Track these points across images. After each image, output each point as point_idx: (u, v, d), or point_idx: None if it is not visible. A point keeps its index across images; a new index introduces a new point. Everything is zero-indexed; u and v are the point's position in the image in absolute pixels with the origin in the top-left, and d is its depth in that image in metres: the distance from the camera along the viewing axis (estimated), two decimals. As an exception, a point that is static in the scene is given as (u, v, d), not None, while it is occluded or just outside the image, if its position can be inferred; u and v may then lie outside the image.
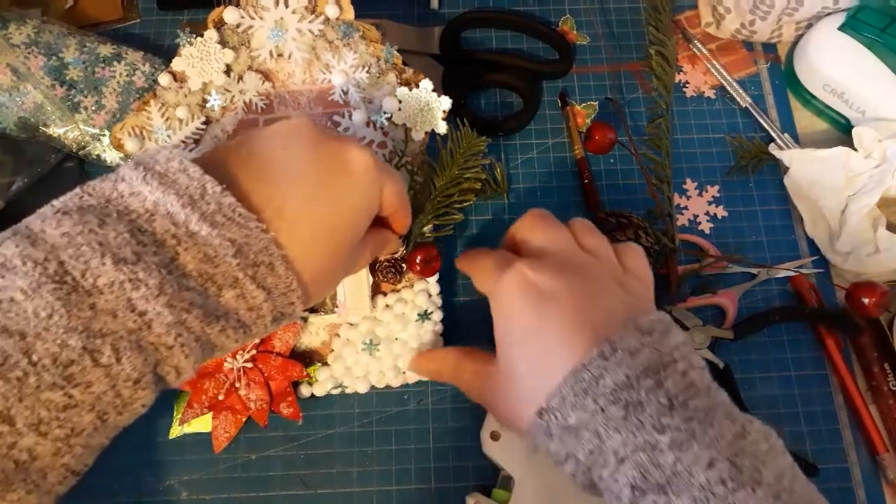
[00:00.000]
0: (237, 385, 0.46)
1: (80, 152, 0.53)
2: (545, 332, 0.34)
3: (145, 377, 0.27)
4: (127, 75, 0.54)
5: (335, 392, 0.49)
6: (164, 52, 0.57)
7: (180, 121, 0.46)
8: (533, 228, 0.39)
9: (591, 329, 0.33)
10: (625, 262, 0.39)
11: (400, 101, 0.46)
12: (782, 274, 0.53)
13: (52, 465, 0.26)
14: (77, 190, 0.29)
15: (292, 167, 0.32)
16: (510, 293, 0.36)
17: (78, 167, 0.55)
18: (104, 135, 0.53)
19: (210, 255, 0.29)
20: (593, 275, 0.36)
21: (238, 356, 0.46)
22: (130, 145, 0.46)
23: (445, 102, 0.46)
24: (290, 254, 0.31)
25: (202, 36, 0.46)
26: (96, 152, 0.53)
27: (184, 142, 0.46)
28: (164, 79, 0.46)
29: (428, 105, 0.46)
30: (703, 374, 0.33)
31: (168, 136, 0.46)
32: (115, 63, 0.54)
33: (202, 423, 0.47)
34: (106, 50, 0.54)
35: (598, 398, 0.31)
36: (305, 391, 0.48)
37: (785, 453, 0.32)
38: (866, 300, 0.50)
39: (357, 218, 0.35)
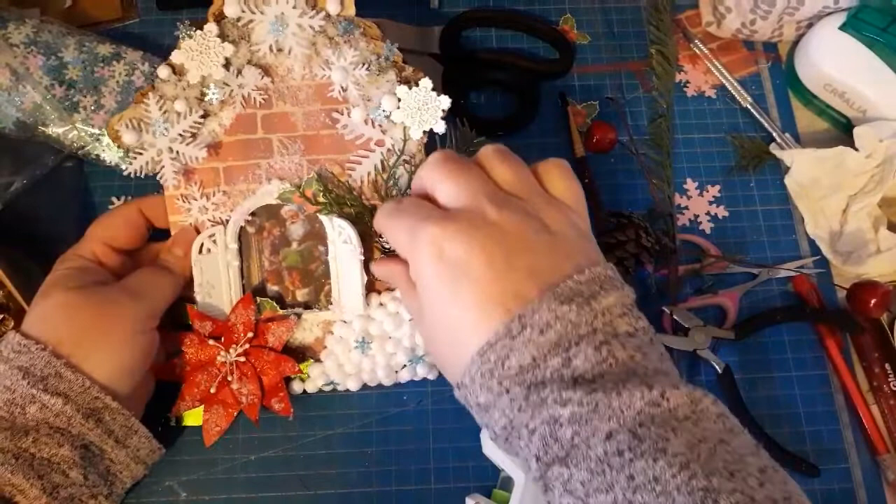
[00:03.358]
0: (229, 379, 0.46)
1: (80, 152, 0.53)
2: (458, 309, 0.33)
3: None
4: (126, 75, 0.54)
5: (327, 389, 0.48)
6: (163, 52, 0.56)
7: (178, 114, 0.46)
8: (439, 179, 0.36)
9: (504, 303, 0.32)
10: (549, 186, 0.37)
11: (399, 100, 0.46)
12: (783, 274, 0.53)
13: None
14: None
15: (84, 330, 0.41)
16: (423, 266, 0.34)
17: (77, 167, 0.54)
18: (103, 134, 0.53)
19: (7, 385, 0.38)
20: (513, 227, 0.34)
21: (231, 350, 0.46)
22: (128, 137, 0.46)
23: (445, 102, 0.46)
24: (75, 362, 0.39)
25: (202, 30, 0.46)
26: (96, 152, 0.53)
27: (181, 135, 0.46)
28: (163, 71, 0.46)
29: (427, 104, 0.46)
30: (626, 340, 0.32)
31: (165, 129, 0.46)
32: (114, 62, 0.54)
33: (195, 419, 0.47)
34: (105, 49, 0.54)
35: (503, 380, 0.32)
36: (297, 387, 0.48)
37: (721, 419, 0.30)
38: (867, 300, 0.50)
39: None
